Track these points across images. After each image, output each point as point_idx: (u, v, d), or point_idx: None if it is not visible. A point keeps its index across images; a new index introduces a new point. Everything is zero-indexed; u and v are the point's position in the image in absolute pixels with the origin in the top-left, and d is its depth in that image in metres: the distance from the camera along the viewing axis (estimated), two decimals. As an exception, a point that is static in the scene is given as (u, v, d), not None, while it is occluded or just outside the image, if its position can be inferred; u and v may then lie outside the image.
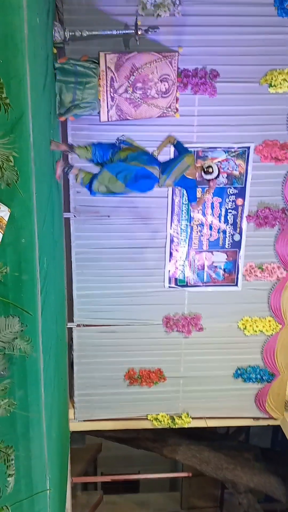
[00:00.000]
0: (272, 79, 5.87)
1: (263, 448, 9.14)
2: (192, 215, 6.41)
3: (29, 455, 3.79)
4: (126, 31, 5.38)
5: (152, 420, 7.19)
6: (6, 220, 3.00)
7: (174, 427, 7.26)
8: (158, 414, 7.17)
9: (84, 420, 7.22)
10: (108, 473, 11.17)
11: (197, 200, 5.72)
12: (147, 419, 7.21)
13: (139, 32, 5.24)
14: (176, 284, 6.69)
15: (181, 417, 7.20)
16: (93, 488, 11.60)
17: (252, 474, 8.10)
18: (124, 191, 5.34)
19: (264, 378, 7.11)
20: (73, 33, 5.22)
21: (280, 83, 5.86)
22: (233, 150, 6.19)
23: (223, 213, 6.43)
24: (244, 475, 8.08)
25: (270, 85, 5.90)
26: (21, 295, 3.33)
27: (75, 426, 7.23)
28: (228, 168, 6.26)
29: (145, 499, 11.88)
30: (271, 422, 7.49)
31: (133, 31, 5.27)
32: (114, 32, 5.34)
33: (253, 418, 7.43)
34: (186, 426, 7.27)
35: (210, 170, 5.39)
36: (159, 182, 5.39)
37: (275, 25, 5.72)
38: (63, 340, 6.27)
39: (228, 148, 6.18)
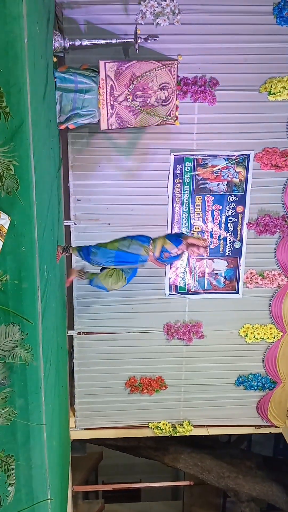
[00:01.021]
0: (271, 87, 5.89)
1: (265, 456, 9.10)
2: (192, 223, 6.41)
3: (29, 464, 3.77)
4: (126, 40, 5.42)
5: (153, 428, 7.16)
6: (6, 228, 3.00)
7: (175, 435, 7.23)
8: (160, 422, 7.14)
9: (85, 429, 7.20)
10: (109, 481, 11.12)
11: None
12: (148, 427, 7.18)
13: (139, 41, 5.28)
14: (176, 291, 6.69)
15: (182, 425, 7.17)
16: (94, 496, 11.53)
17: (254, 482, 8.05)
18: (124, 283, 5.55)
19: (265, 386, 7.09)
20: (73, 42, 5.25)
21: (280, 91, 5.88)
22: (233, 157, 6.21)
23: (223, 220, 6.43)
24: (246, 483, 8.03)
25: (270, 93, 5.93)
26: (21, 303, 3.32)
27: (76, 434, 7.20)
28: (228, 176, 6.27)
29: (146, 508, 11.80)
30: (273, 430, 7.46)
31: (133, 40, 5.30)
32: (114, 41, 5.38)
33: (255, 426, 7.39)
34: (187, 434, 7.24)
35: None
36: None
37: (274, 33, 5.76)
38: (64, 348, 6.25)
39: (228, 155, 6.20)
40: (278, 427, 7.37)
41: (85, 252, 5.42)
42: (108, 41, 5.36)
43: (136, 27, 5.33)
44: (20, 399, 3.50)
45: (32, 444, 3.73)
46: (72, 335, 6.73)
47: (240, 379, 7.07)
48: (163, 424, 7.13)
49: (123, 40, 5.42)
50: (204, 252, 5.35)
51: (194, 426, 7.21)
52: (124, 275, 5.48)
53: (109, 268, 5.43)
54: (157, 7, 5.49)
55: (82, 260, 5.63)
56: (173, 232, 6.30)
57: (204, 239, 5.44)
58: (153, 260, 5.33)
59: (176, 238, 5.34)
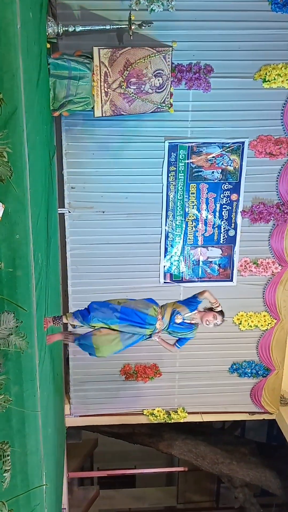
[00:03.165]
0: (266, 74, 5.87)
1: (258, 442, 9.19)
2: (187, 211, 6.41)
3: (25, 451, 3.79)
4: (120, 26, 5.37)
5: (148, 415, 7.21)
6: (0, 216, 2.99)
7: (170, 422, 7.28)
8: (154, 409, 7.19)
9: (80, 416, 7.24)
10: (104, 468, 11.21)
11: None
12: (143, 414, 7.23)
13: (133, 27, 5.23)
14: (171, 279, 6.70)
15: (177, 412, 7.22)
16: (90, 483, 11.65)
17: (248, 468, 8.14)
18: (119, 328, 4.73)
19: (259, 373, 7.14)
20: (66, 28, 5.20)
21: (274, 78, 5.87)
22: (227, 145, 6.20)
23: (217, 208, 6.44)
24: (240, 469, 8.11)
25: (264, 80, 5.91)
26: (15, 291, 3.32)
27: (71, 421, 7.24)
28: (222, 164, 6.26)
29: (141, 493, 11.94)
30: (266, 417, 7.52)
31: (127, 26, 5.25)
32: (108, 27, 5.33)
33: (249, 412, 7.46)
34: (182, 421, 7.29)
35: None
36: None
37: (269, 20, 5.73)
38: (59, 336, 6.25)
39: (223, 143, 6.18)
40: (272, 414, 7.44)
41: (84, 312, 4.83)
42: (102, 27, 5.32)
43: (130, 13, 5.29)
44: (15, 386, 3.51)
45: (27, 431, 3.75)
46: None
47: (234, 366, 7.12)
48: (158, 411, 7.18)
49: (117, 26, 5.38)
50: (221, 322, 4.82)
51: (189, 413, 7.26)
52: (121, 343, 4.80)
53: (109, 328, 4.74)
54: (151, -8, 5.44)
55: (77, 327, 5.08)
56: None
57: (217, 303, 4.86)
58: (161, 327, 4.69)
59: (189, 302, 4.83)
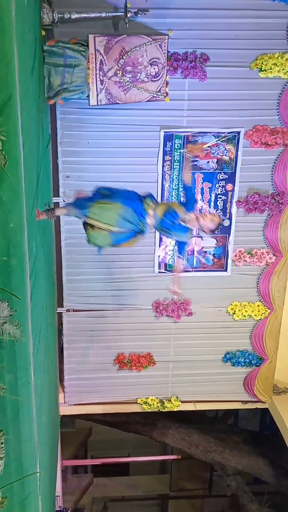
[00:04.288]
0: (262, 63, 5.84)
1: (251, 431, 9.26)
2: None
3: (19, 439, 3.81)
4: (116, 14, 5.32)
5: (141, 404, 7.25)
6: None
7: (163, 410, 7.32)
8: (148, 398, 7.23)
9: (74, 404, 7.26)
10: (98, 456, 11.28)
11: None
12: (136, 402, 7.26)
13: (129, 15, 5.19)
14: (165, 269, 6.71)
15: (170, 400, 7.26)
16: (84, 471, 11.72)
17: (241, 456, 8.21)
18: (120, 210, 4.52)
19: (252, 362, 7.18)
20: (62, 15, 5.16)
21: (271, 68, 5.84)
22: (223, 135, 6.18)
23: (212, 198, 6.43)
24: (232, 457, 8.18)
25: (261, 70, 5.88)
26: (10, 280, 3.32)
27: (65, 410, 7.27)
28: (218, 153, 6.25)
29: (135, 481, 12.03)
30: (259, 406, 7.58)
31: (123, 14, 5.21)
32: (104, 15, 5.28)
33: (242, 401, 7.51)
34: (175, 409, 7.34)
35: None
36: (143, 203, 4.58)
37: (266, 8, 5.69)
38: (53, 325, 6.28)
39: (218, 133, 6.17)
40: (264, 403, 7.49)
41: (84, 201, 4.63)
42: (97, 14, 5.27)
43: (126, 0, 5.23)
44: (9, 375, 3.52)
45: (21, 419, 3.77)
46: (61, 312, 6.74)
47: (228, 355, 7.16)
48: (152, 399, 7.22)
49: (113, 14, 5.33)
50: (217, 228, 4.62)
51: (182, 402, 7.31)
52: (110, 236, 4.64)
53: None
54: (147, -20, 5.40)
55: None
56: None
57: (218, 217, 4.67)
58: (152, 223, 4.56)
59: (189, 204, 4.64)
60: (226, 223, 6.56)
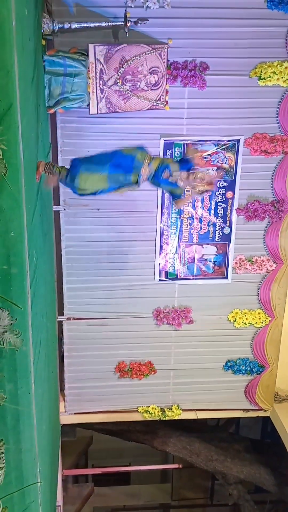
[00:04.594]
0: (261, 72, 5.87)
1: (253, 439, 9.23)
2: (182, 208, 6.41)
3: (19, 448, 3.79)
4: (116, 23, 5.35)
5: (142, 413, 7.22)
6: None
7: (164, 419, 7.29)
8: (149, 407, 7.20)
9: (74, 413, 7.24)
10: (99, 465, 11.23)
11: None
12: (137, 411, 7.24)
13: (129, 24, 5.22)
14: (166, 277, 6.71)
15: (171, 409, 7.23)
16: (84, 480, 11.65)
17: (242, 465, 8.17)
18: (107, 179, 4.50)
19: (253, 370, 7.16)
20: (62, 25, 5.18)
21: (270, 76, 5.87)
22: (222, 143, 6.20)
23: (213, 206, 6.44)
24: (234, 466, 8.14)
25: (260, 78, 5.91)
26: (10, 289, 3.32)
27: (65, 419, 7.24)
28: (218, 161, 6.27)
29: (136, 490, 11.97)
30: (260, 414, 7.55)
31: (123, 23, 5.24)
32: (103, 24, 5.31)
33: (243, 410, 7.48)
34: (176, 418, 7.31)
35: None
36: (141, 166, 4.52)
37: (265, 17, 5.72)
38: (54, 333, 6.27)
39: (218, 141, 6.18)
40: (266, 411, 7.46)
41: (76, 164, 4.55)
42: (97, 24, 5.30)
43: (126, 10, 5.27)
44: (9, 384, 3.52)
45: (22, 428, 3.75)
46: (61, 321, 6.74)
47: (229, 363, 7.14)
48: (152, 408, 7.19)
49: (113, 23, 5.36)
50: (211, 187, 4.58)
51: (183, 410, 7.28)
52: (107, 181, 4.55)
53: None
54: (147, -11, 5.43)
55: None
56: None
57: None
58: (145, 174, 4.49)
59: (182, 161, 4.61)
60: (226, 230, 6.57)
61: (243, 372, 7.16)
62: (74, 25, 5.22)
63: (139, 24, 5.29)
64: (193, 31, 5.68)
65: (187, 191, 4.69)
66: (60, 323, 6.75)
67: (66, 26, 5.20)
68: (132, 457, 11.41)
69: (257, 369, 7.16)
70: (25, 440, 3.84)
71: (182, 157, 4.70)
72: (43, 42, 5.14)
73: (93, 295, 6.70)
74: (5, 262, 3.26)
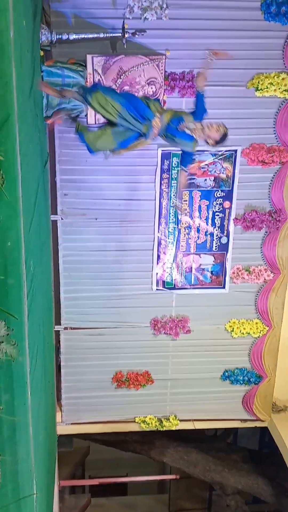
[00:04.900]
0: (258, 83, 5.91)
1: (250, 449, 9.18)
2: (179, 218, 6.42)
3: (15, 459, 3.77)
4: (113, 34, 5.38)
5: (139, 423, 7.18)
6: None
7: (161, 429, 7.26)
8: (146, 417, 7.17)
9: (71, 423, 7.20)
10: (96, 476, 11.14)
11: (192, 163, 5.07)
12: (134, 421, 7.20)
13: (126, 35, 5.25)
14: (163, 286, 6.70)
15: (168, 419, 7.20)
16: (81, 491, 11.56)
17: (240, 475, 8.12)
18: (120, 110, 4.59)
19: (251, 380, 7.14)
20: (60, 36, 5.22)
21: (267, 87, 5.90)
22: (220, 153, 6.22)
23: (210, 216, 6.46)
24: (231, 476, 8.10)
25: (257, 89, 5.94)
26: (7, 299, 3.31)
27: (62, 429, 7.20)
28: (215, 171, 6.29)
29: (133, 501, 11.86)
30: (258, 424, 7.52)
31: (120, 34, 5.27)
32: (101, 35, 5.34)
33: (241, 420, 7.45)
34: (174, 428, 7.27)
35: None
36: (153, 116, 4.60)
37: (262, 29, 5.76)
38: (51, 343, 6.24)
39: (215, 151, 6.20)
40: (264, 421, 7.43)
41: (96, 85, 4.69)
42: (95, 35, 5.33)
43: (123, 21, 5.31)
44: (6, 394, 3.50)
45: (18, 439, 3.73)
46: (59, 330, 6.72)
47: (226, 373, 7.12)
48: (150, 418, 7.16)
49: (111, 35, 5.39)
50: (222, 139, 4.60)
51: (181, 420, 7.25)
52: (112, 136, 4.71)
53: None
54: (145, 1, 5.46)
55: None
56: None
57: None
58: (157, 126, 4.55)
59: (198, 113, 4.62)
60: (224, 240, 6.58)
61: (241, 382, 7.14)
62: (72, 36, 5.25)
63: (137, 36, 5.33)
64: (190, 43, 5.71)
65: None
66: (57, 333, 6.73)
67: (64, 37, 5.23)
68: (129, 468, 11.32)
69: (254, 379, 7.15)
70: (21, 451, 3.82)
71: (195, 109, 4.70)
72: (42, 53, 5.17)
73: (90, 304, 6.69)
74: (2, 272, 3.25)
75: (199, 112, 4.63)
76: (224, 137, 4.63)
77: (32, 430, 3.97)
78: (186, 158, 4.89)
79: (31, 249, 3.96)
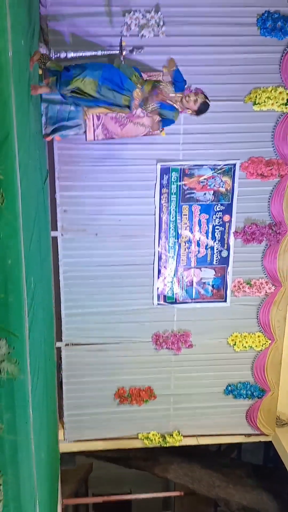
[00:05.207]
0: (256, 97, 5.95)
1: (255, 464, 9.10)
2: (179, 232, 6.43)
3: (17, 479, 3.72)
4: (111, 52, 5.43)
5: (143, 439, 7.13)
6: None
7: (165, 445, 7.20)
8: (149, 433, 7.11)
9: (74, 441, 7.14)
10: (100, 493, 11.02)
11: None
12: (138, 438, 7.14)
13: (124, 53, 5.30)
14: (165, 301, 6.69)
15: (172, 435, 7.14)
16: (85, 509, 11.46)
17: (245, 491, 8.04)
18: (97, 87, 4.60)
19: (254, 394, 7.10)
20: (58, 54, 5.26)
21: (264, 101, 5.94)
22: (219, 167, 6.24)
23: (210, 229, 6.46)
24: (236, 492, 8.01)
25: (255, 103, 5.98)
26: (7, 317, 3.30)
27: (65, 447, 7.14)
28: (214, 185, 6.30)
29: (137, 519, 11.74)
30: (262, 439, 7.45)
31: (118, 52, 5.32)
32: (99, 53, 5.39)
33: (245, 434, 7.39)
34: (177, 444, 7.21)
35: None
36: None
37: (258, 44, 5.81)
38: (52, 359, 6.22)
39: (214, 165, 6.23)
40: (268, 436, 7.37)
41: (69, 68, 4.62)
42: (93, 53, 5.38)
43: (121, 39, 5.36)
44: (7, 413, 3.46)
45: (20, 458, 3.69)
46: (60, 347, 6.69)
47: (229, 387, 7.07)
48: (153, 434, 7.10)
49: (109, 52, 5.44)
50: (201, 109, 4.72)
51: (184, 436, 7.19)
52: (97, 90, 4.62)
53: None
54: (142, 19, 5.52)
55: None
56: None
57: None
58: (138, 97, 4.64)
59: (175, 81, 4.71)
60: (224, 254, 6.57)
61: (244, 396, 7.09)
62: (70, 54, 5.29)
63: (134, 53, 5.39)
64: (188, 59, 5.75)
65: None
66: (59, 349, 6.70)
67: (63, 55, 5.28)
68: (133, 484, 11.22)
69: (258, 393, 7.10)
70: (24, 471, 3.77)
71: (173, 78, 4.77)
72: (40, 71, 5.20)
73: (91, 320, 6.67)
74: (2, 290, 3.24)
75: (178, 84, 4.73)
76: (204, 106, 4.72)
77: (34, 449, 3.93)
78: (165, 122, 4.93)
79: (32, 266, 3.96)
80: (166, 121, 4.90)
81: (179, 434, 7.15)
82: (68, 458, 8.09)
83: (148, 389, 6.94)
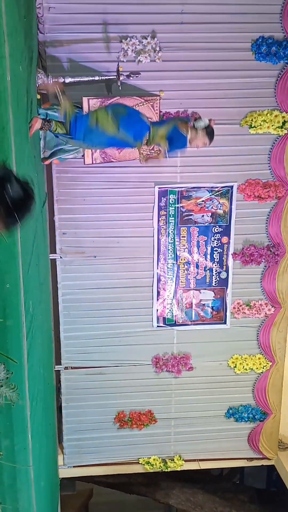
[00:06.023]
0: (252, 120, 6.01)
1: (258, 489, 8.96)
2: (178, 254, 6.44)
3: (16, 507, 3.67)
4: (108, 77, 5.51)
5: (143, 464, 7.03)
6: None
7: (166, 470, 7.09)
8: (150, 458, 7.01)
9: (74, 466, 7.04)
10: (100, 520, 10.84)
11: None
12: (138, 463, 7.05)
13: (121, 78, 5.37)
14: (164, 323, 6.66)
15: (173, 459, 7.05)
16: (85, 536, 11.22)
17: (248, 517, 7.91)
18: (115, 132, 4.91)
19: (256, 417, 7.02)
20: (56, 80, 5.32)
21: (260, 124, 6.00)
22: (216, 189, 6.28)
23: (209, 251, 6.47)
24: (239, 518, 7.88)
25: (251, 126, 6.04)
26: (6, 341, 3.29)
27: (64, 472, 7.03)
28: (212, 207, 6.33)
29: None
30: (265, 462, 7.35)
31: (115, 77, 5.39)
32: (96, 78, 5.47)
33: (247, 458, 7.29)
34: (178, 469, 7.11)
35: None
36: (150, 131, 5.03)
37: (253, 69, 5.89)
38: (51, 383, 6.16)
39: (212, 187, 6.26)
40: (270, 459, 7.27)
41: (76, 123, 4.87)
42: (91, 78, 5.45)
43: (118, 64, 5.44)
44: (5, 440, 3.43)
45: (19, 486, 3.64)
46: (59, 370, 6.64)
47: (231, 411, 7.00)
48: (154, 459, 7.00)
49: (106, 77, 5.52)
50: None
51: (185, 461, 7.09)
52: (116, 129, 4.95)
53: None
54: (138, 45, 5.61)
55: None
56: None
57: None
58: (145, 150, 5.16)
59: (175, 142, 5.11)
60: (223, 275, 6.57)
61: (246, 419, 7.02)
62: (68, 79, 5.36)
63: (131, 78, 5.45)
64: (184, 83, 5.83)
65: None
66: (58, 373, 6.65)
67: (60, 80, 5.34)
68: (135, 510, 11.03)
69: (259, 416, 7.02)
70: (23, 499, 3.72)
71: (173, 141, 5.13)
72: (38, 96, 5.27)
73: (91, 343, 6.62)
74: (1, 314, 3.24)
75: (176, 142, 5.12)
76: (211, 134, 5.13)
77: (33, 476, 3.88)
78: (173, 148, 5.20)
79: (30, 290, 3.95)
80: (174, 146, 5.14)
81: (180, 458, 7.05)
82: (68, 483, 7.96)
83: (149, 413, 6.86)
